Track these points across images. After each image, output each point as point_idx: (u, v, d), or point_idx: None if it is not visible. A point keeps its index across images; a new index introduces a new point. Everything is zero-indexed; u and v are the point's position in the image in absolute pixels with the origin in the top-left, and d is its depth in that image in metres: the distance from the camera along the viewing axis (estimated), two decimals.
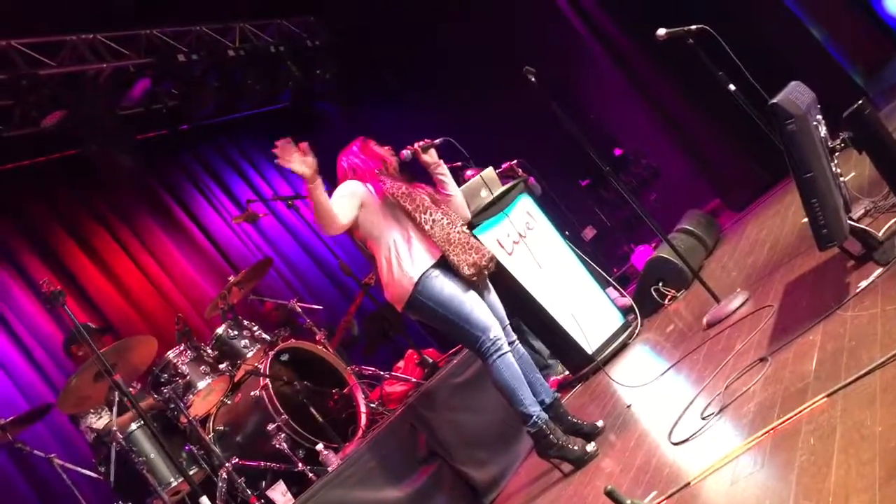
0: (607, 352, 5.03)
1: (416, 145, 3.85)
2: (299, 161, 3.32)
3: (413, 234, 3.63)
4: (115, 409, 4.51)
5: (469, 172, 5.42)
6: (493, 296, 3.82)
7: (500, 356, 3.54)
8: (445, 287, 3.57)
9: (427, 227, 3.61)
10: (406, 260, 3.59)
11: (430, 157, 3.87)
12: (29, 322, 6.26)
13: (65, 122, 6.33)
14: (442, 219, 3.67)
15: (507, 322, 3.82)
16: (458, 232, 3.67)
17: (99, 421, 4.86)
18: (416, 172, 3.93)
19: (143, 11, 6.89)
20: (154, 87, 7.10)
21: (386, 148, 3.88)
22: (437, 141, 3.94)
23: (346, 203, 3.59)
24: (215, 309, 5.57)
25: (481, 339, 3.55)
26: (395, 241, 3.63)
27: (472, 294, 3.61)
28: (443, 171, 3.90)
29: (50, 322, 6.28)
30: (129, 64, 6.87)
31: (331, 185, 3.68)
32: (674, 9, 4.87)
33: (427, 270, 3.58)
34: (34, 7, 6.06)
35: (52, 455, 4.45)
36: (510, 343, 3.72)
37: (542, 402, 3.66)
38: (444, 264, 3.60)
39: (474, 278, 3.62)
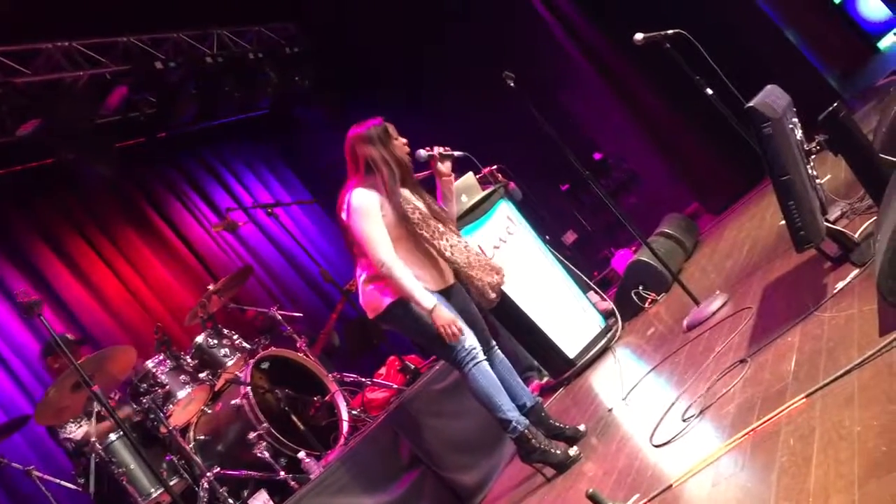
0: (588, 356, 5.04)
1: (436, 151, 3.69)
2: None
3: (420, 257, 3.55)
4: (94, 420, 4.47)
5: None
6: (468, 301, 3.77)
7: (475, 365, 3.51)
8: None
9: (448, 254, 3.55)
10: None
11: (445, 167, 3.72)
12: (5, 332, 6.18)
13: (41, 130, 6.26)
14: (458, 242, 3.62)
15: (486, 327, 3.80)
16: (475, 254, 3.65)
17: (79, 429, 4.80)
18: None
19: (120, 18, 6.84)
20: (131, 94, 7.04)
21: (404, 142, 3.65)
22: (457, 153, 3.79)
23: (383, 231, 3.48)
24: (195, 317, 5.54)
25: (456, 350, 3.51)
26: (412, 256, 3.54)
27: (446, 306, 3.56)
28: (450, 188, 3.78)
29: (26, 332, 6.21)
30: (105, 71, 6.82)
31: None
32: (651, 13, 4.90)
33: None
34: (8, 14, 6.00)
35: (31, 467, 4.39)
36: (489, 349, 3.71)
37: (522, 406, 3.65)
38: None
39: (497, 301, 3.61)
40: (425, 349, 3.89)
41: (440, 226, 3.59)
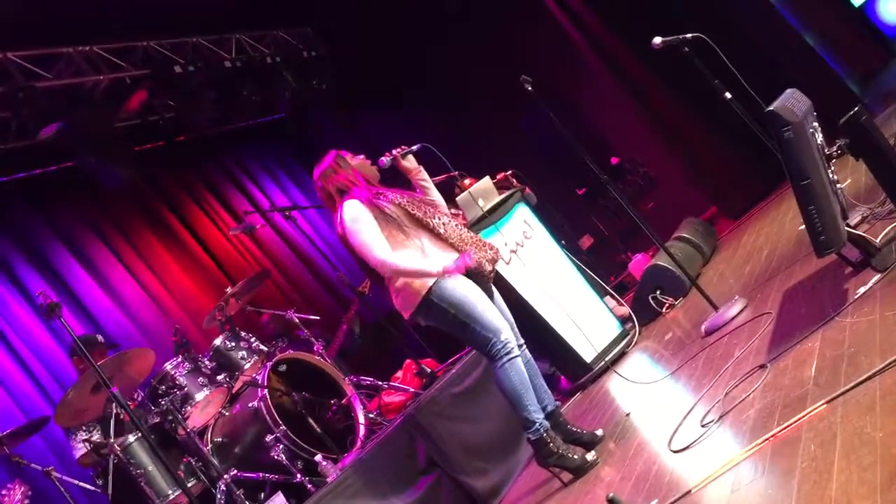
0: (605, 360, 5.02)
1: (394, 152, 3.85)
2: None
3: (426, 239, 3.61)
4: (112, 422, 4.50)
5: (467, 181, 5.42)
6: (499, 298, 3.82)
7: (510, 360, 3.53)
8: (458, 288, 3.55)
9: (441, 231, 3.63)
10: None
11: (410, 162, 3.87)
12: (25, 334, 6.23)
13: (62, 133, 6.32)
14: (450, 221, 3.71)
15: (515, 326, 3.81)
16: (467, 232, 3.71)
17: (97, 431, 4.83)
18: (394, 179, 3.94)
19: (140, 23, 6.89)
20: (151, 98, 7.10)
21: (360, 157, 3.87)
22: (414, 147, 3.92)
23: (377, 232, 3.56)
24: (213, 320, 5.57)
25: (493, 341, 3.53)
26: (408, 250, 3.59)
27: (483, 296, 3.60)
28: (424, 177, 3.89)
29: (46, 334, 6.26)
30: (125, 76, 6.87)
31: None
32: (670, 17, 4.89)
33: None
34: (31, 19, 6.06)
35: (50, 468, 4.43)
36: (519, 346, 3.70)
37: (543, 409, 3.64)
38: None
39: (492, 274, 3.66)
40: (460, 340, 3.89)
41: (429, 208, 3.72)
